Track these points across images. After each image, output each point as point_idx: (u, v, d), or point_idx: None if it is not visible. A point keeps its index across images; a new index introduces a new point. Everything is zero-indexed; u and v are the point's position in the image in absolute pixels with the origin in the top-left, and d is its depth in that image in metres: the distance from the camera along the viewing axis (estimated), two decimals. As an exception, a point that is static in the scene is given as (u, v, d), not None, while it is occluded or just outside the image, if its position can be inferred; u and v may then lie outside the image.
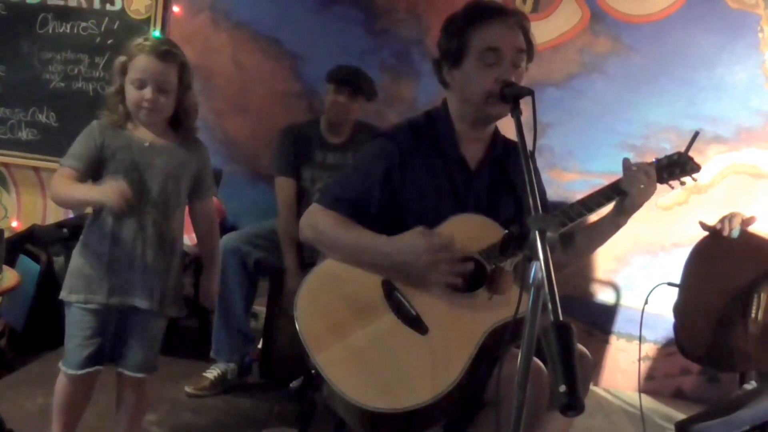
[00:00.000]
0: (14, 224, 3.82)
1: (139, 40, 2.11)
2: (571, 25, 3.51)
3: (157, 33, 3.64)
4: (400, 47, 3.61)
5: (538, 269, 1.20)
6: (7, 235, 2.83)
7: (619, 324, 3.66)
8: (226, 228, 3.54)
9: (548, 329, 1.05)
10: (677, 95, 3.49)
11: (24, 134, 3.76)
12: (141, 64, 2.04)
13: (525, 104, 1.66)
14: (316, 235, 1.88)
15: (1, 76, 3.77)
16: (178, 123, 2.16)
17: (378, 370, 1.67)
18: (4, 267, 2.48)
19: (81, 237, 2.15)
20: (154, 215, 2.10)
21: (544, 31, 3.47)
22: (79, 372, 2.09)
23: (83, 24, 3.70)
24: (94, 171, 2.07)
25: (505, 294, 1.74)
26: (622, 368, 3.64)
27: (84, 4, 3.70)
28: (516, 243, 1.31)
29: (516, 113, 1.63)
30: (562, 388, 0.98)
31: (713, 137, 3.48)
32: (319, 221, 1.87)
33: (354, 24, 3.61)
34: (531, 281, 1.21)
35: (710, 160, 3.48)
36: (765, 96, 3.46)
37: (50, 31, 3.72)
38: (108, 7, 3.69)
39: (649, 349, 3.62)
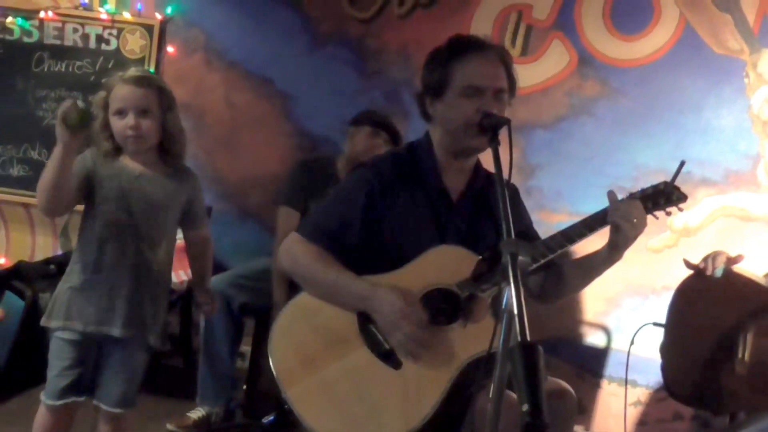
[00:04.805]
0: (1, 261, 3.80)
1: (116, 74, 2.17)
2: (560, 68, 3.55)
3: (151, 71, 3.68)
4: (390, 88, 3.64)
5: (510, 295, 1.18)
6: (-7, 271, 2.82)
7: (611, 367, 3.60)
8: (213, 266, 3.51)
9: (514, 349, 1.03)
10: (665, 138, 3.51)
11: (15, 171, 3.78)
12: (119, 93, 2.08)
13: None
14: (295, 267, 1.87)
15: (-6, 113, 3.80)
16: (167, 151, 2.19)
17: (349, 406, 1.66)
18: (-11, 303, 2.47)
19: (68, 265, 2.17)
20: (139, 244, 2.12)
21: (532, 74, 3.52)
22: (57, 402, 2.08)
23: (78, 63, 3.75)
24: (83, 192, 2.09)
25: (480, 322, 1.72)
26: (614, 413, 3.57)
27: (80, 44, 3.76)
28: (489, 269, 1.29)
29: (494, 144, 1.64)
30: (525, 407, 0.95)
31: (701, 180, 3.48)
32: (298, 253, 1.87)
33: (345, 65, 3.65)
34: (503, 306, 1.20)
35: (699, 202, 3.48)
36: (752, 140, 3.47)
37: (45, 69, 3.77)
38: (103, 46, 3.75)
39: (641, 393, 3.56)
